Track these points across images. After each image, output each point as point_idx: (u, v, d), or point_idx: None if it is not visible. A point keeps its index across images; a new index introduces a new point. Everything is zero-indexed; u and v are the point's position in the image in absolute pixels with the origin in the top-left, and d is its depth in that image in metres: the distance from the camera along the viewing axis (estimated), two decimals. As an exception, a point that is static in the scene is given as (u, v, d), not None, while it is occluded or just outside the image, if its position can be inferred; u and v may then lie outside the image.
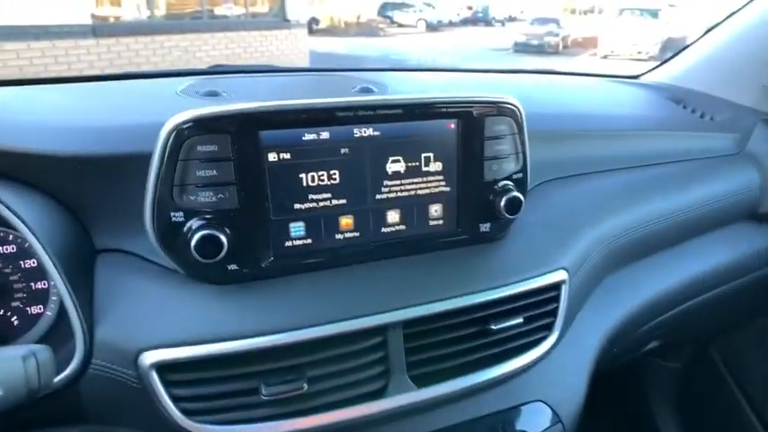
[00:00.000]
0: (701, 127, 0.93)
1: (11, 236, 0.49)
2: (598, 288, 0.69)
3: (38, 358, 0.39)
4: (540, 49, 11.93)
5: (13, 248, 0.50)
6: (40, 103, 0.58)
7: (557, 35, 12.44)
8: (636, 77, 1.22)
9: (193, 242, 0.45)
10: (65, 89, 0.69)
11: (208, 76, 0.86)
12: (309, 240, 0.51)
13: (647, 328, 0.78)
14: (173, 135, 0.44)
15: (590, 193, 0.69)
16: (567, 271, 0.59)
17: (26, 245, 0.49)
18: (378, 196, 0.53)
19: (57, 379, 0.44)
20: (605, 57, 11.10)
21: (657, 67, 1.21)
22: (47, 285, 0.50)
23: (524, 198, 0.56)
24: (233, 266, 0.48)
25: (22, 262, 0.50)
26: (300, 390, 0.47)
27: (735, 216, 0.88)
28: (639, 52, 10.20)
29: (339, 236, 0.52)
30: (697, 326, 0.99)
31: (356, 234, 0.52)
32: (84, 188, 0.49)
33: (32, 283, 0.50)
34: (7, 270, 0.49)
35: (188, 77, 0.76)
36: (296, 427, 0.47)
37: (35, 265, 0.50)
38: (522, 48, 12.07)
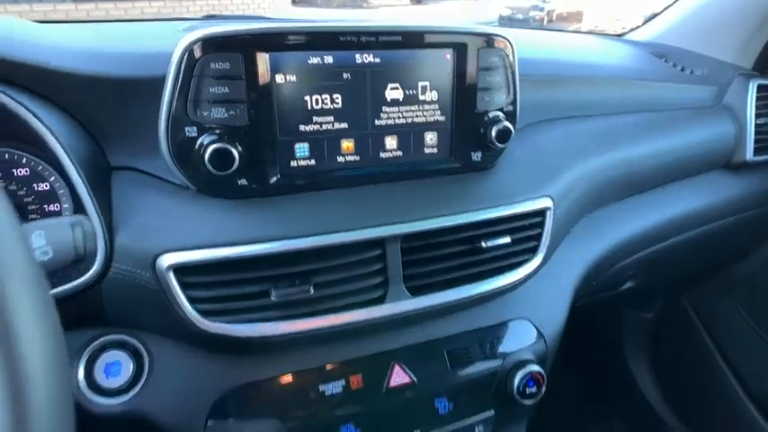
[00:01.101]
0: (682, 79, 0.97)
1: (24, 159, 0.51)
2: (580, 223, 0.74)
3: (84, 227, 0.42)
4: (524, 24, 11.88)
5: (26, 171, 0.52)
6: (54, 35, 0.59)
7: (542, 9, 12.38)
8: (620, 36, 1.25)
9: (207, 155, 0.47)
10: (72, 27, 0.70)
11: (203, 21, 0.87)
12: (313, 161, 0.54)
13: (624, 264, 0.83)
14: (188, 52, 0.46)
15: (576, 134, 0.73)
16: (553, 200, 0.63)
17: (39, 168, 0.51)
18: (377, 122, 0.56)
19: (79, 281, 0.47)
20: (590, 32, 11.10)
21: (641, 26, 1.25)
22: (59, 208, 0.52)
23: (514, 129, 0.59)
24: (242, 182, 0.51)
25: (35, 185, 0.52)
26: (307, 294, 0.51)
27: (710, 164, 0.93)
28: (623, 28, 10.23)
29: (340, 158, 0.55)
30: (671, 271, 1.05)
31: (356, 157, 0.56)
32: (100, 108, 0.51)
33: (45, 206, 0.52)
34: (21, 193, 0.52)
35: (184, 22, 0.78)
36: (303, 327, 0.51)
37: (47, 188, 0.52)
38: (506, 22, 12.00)
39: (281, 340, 0.52)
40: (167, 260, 0.47)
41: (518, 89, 0.60)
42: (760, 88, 0.95)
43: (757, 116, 0.94)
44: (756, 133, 0.94)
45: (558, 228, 0.65)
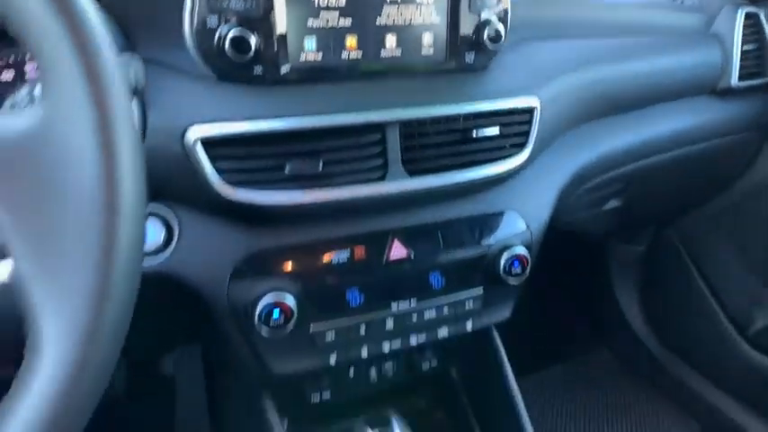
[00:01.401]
0: (673, 7, 1.02)
1: None
2: (567, 135, 0.80)
3: (135, 65, 0.48)
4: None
5: None
6: None
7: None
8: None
9: (227, 42, 0.54)
10: None
11: None
12: (320, 55, 0.60)
13: (610, 177, 0.90)
14: None
15: (567, 50, 0.78)
16: (540, 101, 0.69)
17: None
18: (378, 21, 0.61)
19: None
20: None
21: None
22: None
23: (506, 31, 0.65)
24: (258, 70, 0.57)
25: None
26: (316, 170, 0.58)
27: (696, 89, 0.98)
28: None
29: (345, 54, 0.61)
30: (656, 193, 1.11)
31: (359, 53, 0.62)
32: (130, 4, 0.58)
33: None
34: None
35: None
36: (313, 198, 0.58)
37: None
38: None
39: (295, 211, 0.59)
40: (195, 133, 0.54)
41: None
42: (747, 16, 0.99)
43: (743, 43, 0.99)
44: (742, 59, 0.99)
45: (545, 130, 0.71)
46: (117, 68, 0.30)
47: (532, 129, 0.69)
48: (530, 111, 0.69)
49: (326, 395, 0.76)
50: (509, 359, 0.81)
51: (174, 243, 0.60)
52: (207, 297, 0.60)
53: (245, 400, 0.87)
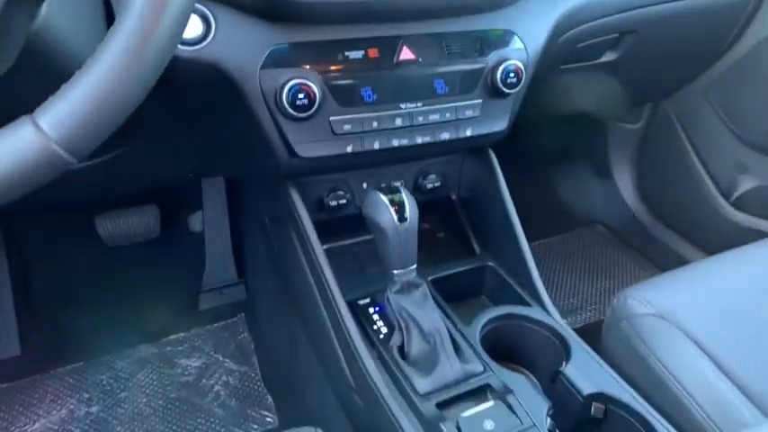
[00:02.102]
0: None
1: None
2: None
3: None
4: None
5: None
6: None
7: None
8: None
9: None
10: None
11: None
12: None
13: (606, 22, 0.96)
14: None
15: None
16: None
17: None
18: None
19: None
20: None
21: None
22: None
23: None
24: None
25: None
26: None
27: None
28: None
29: None
30: (650, 51, 1.17)
31: None
32: None
33: None
34: None
35: None
36: None
37: None
38: None
39: (320, 8, 0.67)
40: None
41: None
42: None
43: None
44: None
45: None
46: None
47: None
48: None
49: (341, 201, 0.87)
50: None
51: (210, 36, 0.68)
52: (240, 82, 0.69)
53: (272, 212, 0.98)
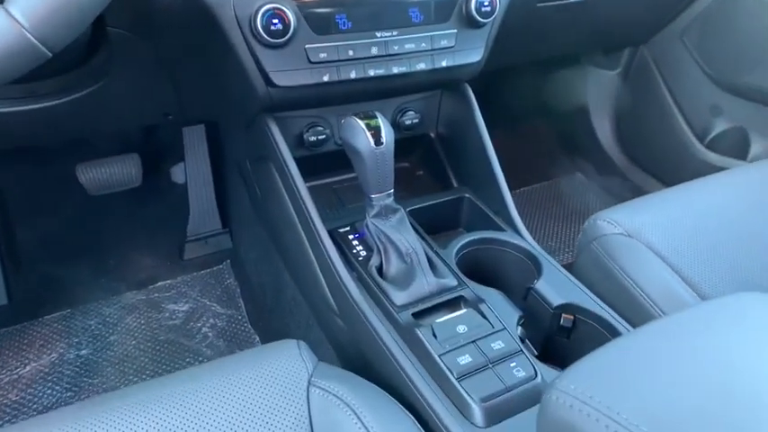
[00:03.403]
0: None
1: None
2: None
3: None
4: None
5: None
6: None
7: None
8: None
9: None
10: None
11: None
12: None
13: None
14: None
15: None
16: None
17: None
18: None
19: None
20: None
21: None
22: None
23: None
24: None
25: None
26: None
27: None
28: None
29: None
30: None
31: None
32: None
33: None
34: None
35: None
36: None
37: None
38: None
39: None
40: None
41: None
42: None
43: None
44: None
45: None
46: None
47: None
48: None
49: (320, 135, 0.88)
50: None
51: None
52: (214, 9, 0.69)
53: (251, 150, 0.99)
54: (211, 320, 1.20)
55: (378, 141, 0.70)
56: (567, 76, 1.64)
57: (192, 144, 1.34)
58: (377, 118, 0.73)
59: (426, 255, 0.74)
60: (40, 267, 1.26)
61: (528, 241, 0.81)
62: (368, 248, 0.77)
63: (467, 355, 0.59)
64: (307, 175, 0.85)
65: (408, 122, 0.95)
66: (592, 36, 1.41)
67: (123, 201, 1.34)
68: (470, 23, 0.82)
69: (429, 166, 1.04)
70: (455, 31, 0.82)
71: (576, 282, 0.72)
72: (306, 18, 0.73)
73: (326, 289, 0.79)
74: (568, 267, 0.78)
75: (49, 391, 1.06)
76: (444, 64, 0.83)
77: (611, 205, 0.85)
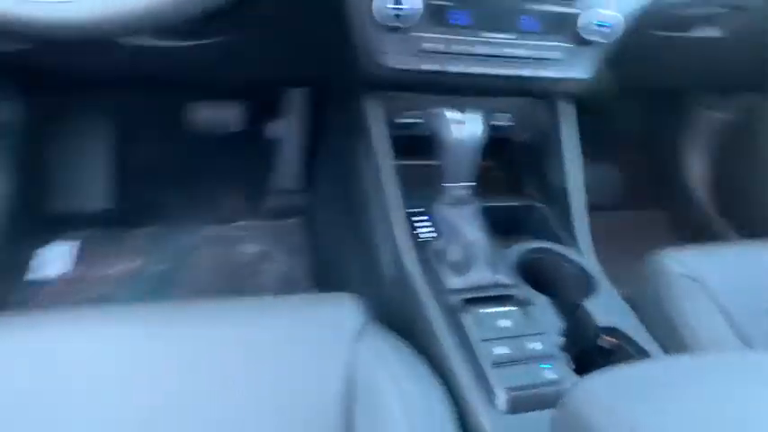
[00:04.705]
0: None
1: None
2: None
3: None
4: None
5: None
6: None
7: None
8: None
9: None
10: None
11: None
12: None
13: None
14: None
15: None
16: None
17: None
18: None
19: None
20: None
21: None
22: None
23: None
24: None
25: None
26: None
27: None
28: None
29: None
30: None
31: None
32: None
33: None
34: None
35: None
36: None
37: None
38: None
39: None
40: None
41: None
42: None
43: None
44: None
45: None
46: None
47: None
48: None
49: (416, 119, 0.93)
50: None
51: None
52: None
53: (347, 121, 1.06)
54: (276, 266, 1.30)
55: (463, 135, 0.75)
56: (670, 108, 1.58)
57: (294, 105, 1.43)
58: (467, 113, 0.77)
59: (488, 251, 0.78)
60: (140, 186, 1.41)
61: (591, 260, 0.82)
62: (436, 231, 0.82)
63: (504, 347, 0.63)
64: (393, 154, 0.90)
65: (500, 124, 0.98)
66: (708, 74, 1.35)
67: (221, 143, 1.47)
68: (583, 40, 0.83)
69: (513, 169, 1.06)
70: (566, 44, 0.84)
71: (628, 309, 0.74)
72: (426, 8, 0.77)
73: (386, 258, 0.84)
74: (625, 296, 0.79)
75: (127, 293, 1.20)
76: (549, 74, 0.85)
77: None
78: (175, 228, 1.35)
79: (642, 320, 0.73)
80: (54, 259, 1.25)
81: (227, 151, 1.51)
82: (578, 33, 0.82)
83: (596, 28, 0.81)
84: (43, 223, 1.30)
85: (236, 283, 1.24)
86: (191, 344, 0.58)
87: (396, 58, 0.80)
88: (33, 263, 1.24)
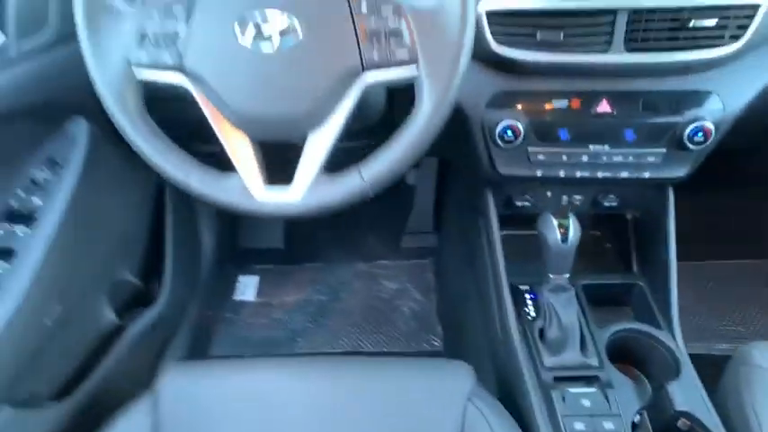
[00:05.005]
0: None
1: None
2: None
3: None
4: None
5: None
6: None
7: None
8: None
9: None
10: None
11: None
12: None
13: None
14: None
15: None
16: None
17: None
18: None
19: None
20: None
21: None
22: None
23: None
24: None
25: None
26: (558, 39, 0.84)
27: None
28: None
29: None
30: None
31: None
32: None
33: None
34: None
35: None
36: (551, 58, 0.86)
37: None
38: None
39: (537, 66, 0.88)
40: (483, 6, 0.84)
41: None
42: None
43: None
44: None
45: (765, 28, 0.83)
46: None
47: (752, 25, 0.83)
48: (754, 8, 0.82)
49: (526, 203, 1.10)
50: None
51: None
52: (470, 115, 0.95)
53: (469, 197, 1.26)
54: (410, 303, 1.56)
55: (564, 239, 0.91)
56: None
57: (428, 160, 1.67)
58: (568, 218, 0.92)
59: (582, 331, 0.93)
60: (305, 229, 1.76)
61: (679, 344, 0.93)
62: (537, 310, 0.99)
63: (582, 424, 0.80)
64: (506, 224, 1.08)
65: (607, 204, 1.10)
66: None
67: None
68: (680, 147, 0.93)
69: (618, 241, 1.18)
70: (664, 150, 0.94)
71: (706, 397, 0.84)
72: (534, 128, 0.94)
73: (498, 326, 1.04)
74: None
75: (298, 318, 1.55)
76: (647, 175, 0.96)
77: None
78: (332, 264, 1.67)
79: (721, 411, 0.83)
80: (248, 285, 1.65)
81: (372, 198, 1.79)
82: (675, 141, 0.92)
83: (691, 137, 0.90)
84: (238, 256, 1.71)
85: (378, 317, 1.52)
86: (342, 394, 0.84)
87: (508, 167, 0.99)
88: (237, 285, 1.65)
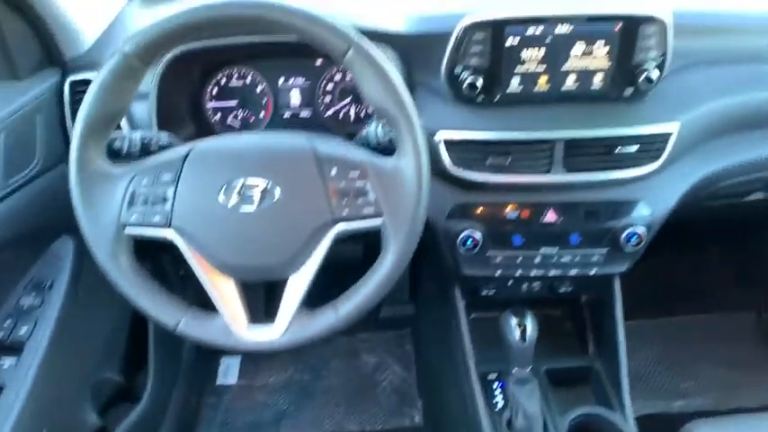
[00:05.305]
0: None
1: None
2: (707, 144, 1.02)
3: None
4: None
5: None
6: None
7: None
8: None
9: (465, 83, 0.92)
10: None
11: None
12: (521, 88, 0.96)
13: (748, 179, 1.09)
14: (462, 28, 0.90)
15: (716, 77, 0.98)
16: (681, 123, 0.95)
17: None
18: (563, 67, 0.93)
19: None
20: None
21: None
22: None
23: (661, 76, 0.91)
24: (480, 98, 0.96)
25: None
26: (506, 163, 0.96)
27: None
28: None
29: (536, 88, 0.95)
30: None
31: (548, 87, 0.95)
32: (412, 51, 0.99)
33: None
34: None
35: None
36: (501, 179, 0.97)
37: None
38: None
39: (489, 185, 0.99)
40: (440, 135, 0.96)
41: (669, 48, 0.91)
42: None
43: None
44: None
45: (681, 146, 0.96)
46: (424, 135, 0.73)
47: (667, 147, 0.96)
48: (667, 135, 0.95)
49: (491, 292, 1.20)
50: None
51: None
52: (434, 226, 1.04)
53: (440, 288, 1.36)
54: (390, 377, 1.63)
55: (523, 338, 1.00)
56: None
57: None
58: (527, 317, 1.02)
59: (545, 419, 1.02)
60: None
61: (630, 425, 1.03)
62: (506, 399, 1.08)
63: None
64: (474, 307, 1.17)
65: (562, 290, 1.21)
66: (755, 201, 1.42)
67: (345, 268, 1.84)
68: (619, 249, 1.04)
69: (576, 320, 1.29)
70: (606, 249, 1.06)
71: None
72: (490, 235, 1.04)
73: (470, 408, 1.12)
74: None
75: (282, 400, 1.60)
76: (593, 272, 1.08)
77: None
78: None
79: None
80: (231, 366, 1.69)
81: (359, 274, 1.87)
82: (614, 243, 1.04)
83: (627, 241, 1.02)
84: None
85: (360, 394, 1.59)
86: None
87: (471, 268, 1.09)
88: (220, 368, 1.69)
